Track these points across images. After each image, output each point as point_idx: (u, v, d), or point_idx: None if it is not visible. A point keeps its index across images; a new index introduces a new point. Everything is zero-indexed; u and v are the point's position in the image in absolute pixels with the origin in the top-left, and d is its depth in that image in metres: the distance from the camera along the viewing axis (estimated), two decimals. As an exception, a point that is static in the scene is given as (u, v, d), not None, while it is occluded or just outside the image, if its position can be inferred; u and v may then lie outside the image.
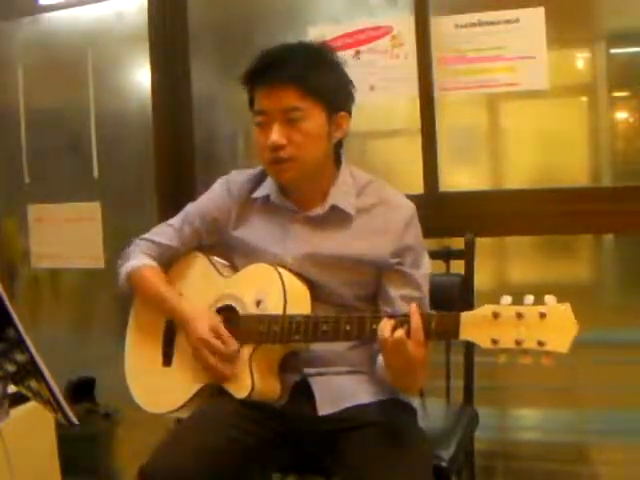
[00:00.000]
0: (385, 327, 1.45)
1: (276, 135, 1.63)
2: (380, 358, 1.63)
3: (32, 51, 3.02)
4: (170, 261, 1.87)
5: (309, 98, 1.63)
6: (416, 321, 1.43)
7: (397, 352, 1.45)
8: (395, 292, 1.67)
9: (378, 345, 1.51)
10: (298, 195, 1.74)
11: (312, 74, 1.63)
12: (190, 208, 1.87)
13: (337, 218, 1.71)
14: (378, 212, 1.70)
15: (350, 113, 1.72)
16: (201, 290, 1.79)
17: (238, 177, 1.83)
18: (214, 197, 1.84)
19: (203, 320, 1.70)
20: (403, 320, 1.46)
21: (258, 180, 1.79)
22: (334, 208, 1.70)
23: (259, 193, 1.77)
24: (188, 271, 1.85)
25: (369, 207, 1.71)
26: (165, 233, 1.87)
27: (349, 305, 1.69)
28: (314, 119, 1.65)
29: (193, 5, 2.76)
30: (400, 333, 1.43)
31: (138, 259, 1.85)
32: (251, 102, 1.71)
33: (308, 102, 1.63)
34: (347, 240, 1.69)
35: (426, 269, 1.72)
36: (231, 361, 1.65)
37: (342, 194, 1.71)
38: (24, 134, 3.06)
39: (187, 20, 2.76)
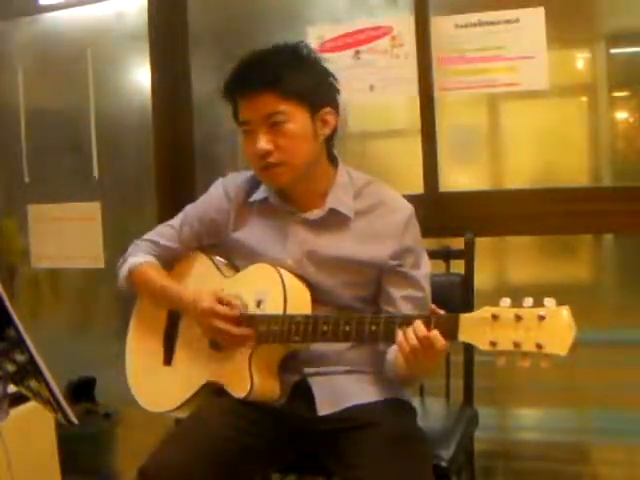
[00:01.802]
0: (420, 327, 1.44)
1: (262, 142, 1.63)
2: (389, 357, 1.63)
3: (32, 51, 3.02)
4: (170, 261, 1.87)
5: (288, 100, 1.63)
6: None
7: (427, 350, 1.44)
8: (397, 293, 1.67)
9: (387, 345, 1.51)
10: (296, 197, 1.73)
11: (287, 76, 1.62)
12: (189, 210, 1.87)
13: (336, 220, 1.70)
14: (377, 214, 1.70)
15: (336, 107, 1.71)
16: (203, 290, 1.79)
17: (236, 179, 1.83)
18: (212, 199, 1.83)
19: (205, 294, 1.69)
20: (402, 322, 1.47)
21: (256, 182, 1.78)
22: (333, 211, 1.70)
23: (257, 196, 1.77)
24: (190, 271, 1.86)
25: (367, 209, 1.71)
26: (165, 234, 1.88)
27: (348, 306, 1.69)
28: (297, 120, 1.64)
29: (193, 5, 2.76)
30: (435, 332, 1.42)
31: (139, 257, 1.85)
32: (235, 113, 1.71)
33: (288, 104, 1.63)
34: (346, 242, 1.69)
35: (426, 269, 1.72)
36: (239, 324, 1.65)
37: (340, 196, 1.71)
38: (24, 134, 3.06)
39: (187, 20, 2.76)
